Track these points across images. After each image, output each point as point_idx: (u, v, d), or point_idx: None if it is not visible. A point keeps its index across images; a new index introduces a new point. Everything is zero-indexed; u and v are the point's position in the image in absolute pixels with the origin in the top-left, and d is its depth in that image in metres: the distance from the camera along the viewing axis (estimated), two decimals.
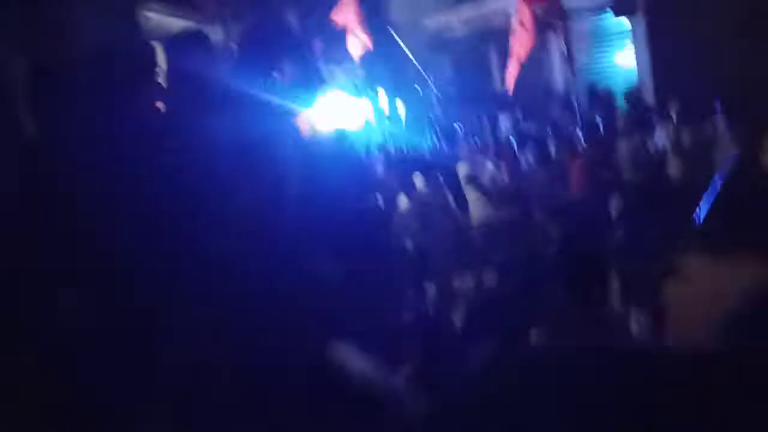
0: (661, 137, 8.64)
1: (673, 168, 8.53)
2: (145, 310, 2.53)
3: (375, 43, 13.67)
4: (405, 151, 10.29)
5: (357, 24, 12.01)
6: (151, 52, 3.50)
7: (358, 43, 12.17)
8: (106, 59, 3.24)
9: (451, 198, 8.38)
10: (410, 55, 11.48)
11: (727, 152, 8.23)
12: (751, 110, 8.19)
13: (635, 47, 11.80)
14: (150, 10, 8.83)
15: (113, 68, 3.16)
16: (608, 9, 11.79)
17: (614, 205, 7.84)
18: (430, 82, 11.23)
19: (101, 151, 2.70)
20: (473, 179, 8.75)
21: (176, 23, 8.06)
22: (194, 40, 3.62)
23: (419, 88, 11.72)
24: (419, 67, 11.41)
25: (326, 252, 3.31)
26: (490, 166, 8.94)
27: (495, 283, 7.79)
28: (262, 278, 2.68)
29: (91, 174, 2.63)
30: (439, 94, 11.19)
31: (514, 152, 9.01)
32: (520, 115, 11.09)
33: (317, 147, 4.71)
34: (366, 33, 12.03)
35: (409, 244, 7.30)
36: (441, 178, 8.49)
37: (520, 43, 9.48)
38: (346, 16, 12.08)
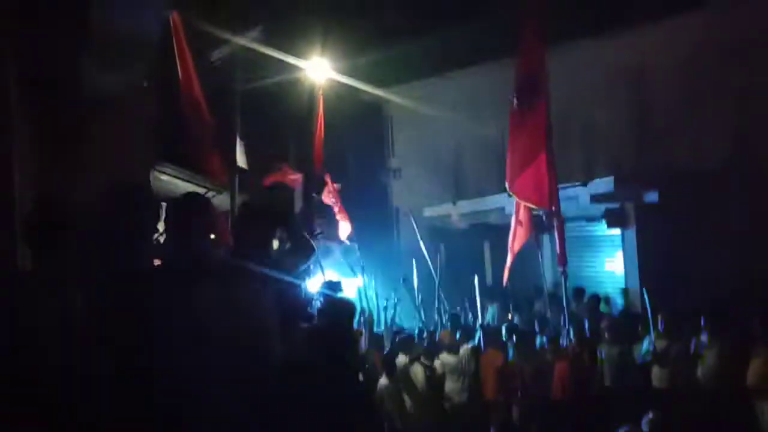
0: (646, 346, 8.64)
1: (656, 378, 8.49)
2: None
3: (377, 226, 14.13)
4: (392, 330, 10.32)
5: (340, 211, 12.63)
6: (157, 208, 3.67)
7: (344, 227, 12.70)
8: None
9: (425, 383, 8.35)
10: (421, 244, 11.79)
11: (711, 367, 8.23)
12: (733, 324, 8.31)
13: (624, 256, 12.13)
14: (162, 172, 9.23)
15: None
16: (601, 219, 12.27)
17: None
18: (432, 269, 11.45)
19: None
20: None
21: (185, 186, 8.37)
22: (195, 201, 3.80)
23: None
24: (424, 252, 11.67)
25: None
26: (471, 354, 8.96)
27: None
28: None
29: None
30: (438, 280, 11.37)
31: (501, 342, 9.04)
32: (509, 308, 11.19)
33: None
34: (349, 220, 12.60)
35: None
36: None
37: (517, 240, 9.82)
38: (331, 201, 12.73)
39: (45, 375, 2.89)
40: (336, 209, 12.74)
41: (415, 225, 12.27)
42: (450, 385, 8.67)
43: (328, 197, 12.77)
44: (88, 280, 3.14)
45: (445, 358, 8.89)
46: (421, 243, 11.89)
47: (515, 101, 9.09)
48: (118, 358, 2.95)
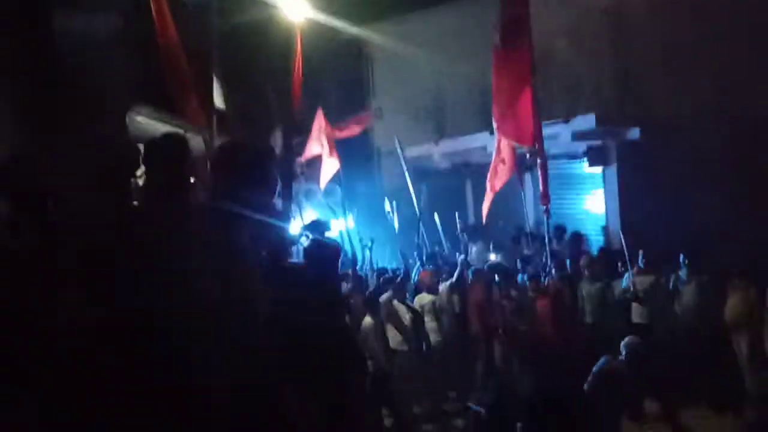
0: (625, 283, 8.77)
1: (635, 314, 8.64)
2: None
3: (358, 167, 14.10)
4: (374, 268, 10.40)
5: (330, 149, 12.51)
6: (136, 152, 3.62)
7: (330, 166, 12.61)
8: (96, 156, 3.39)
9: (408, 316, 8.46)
10: (409, 180, 11.74)
11: (688, 303, 8.39)
12: (712, 260, 8.46)
13: (605, 194, 12.20)
14: (138, 114, 9.07)
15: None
16: (583, 158, 12.29)
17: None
18: (415, 204, 11.48)
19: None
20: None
21: (162, 127, 8.25)
22: (174, 141, 3.75)
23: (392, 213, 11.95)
24: (411, 188, 11.67)
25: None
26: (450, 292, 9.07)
27: None
28: None
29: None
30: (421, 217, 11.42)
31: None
32: (490, 246, 11.27)
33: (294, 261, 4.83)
34: (337, 157, 12.50)
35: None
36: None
37: (498, 177, 9.80)
38: (321, 141, 12.60)
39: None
40: (327, 148, 12.60)
41: (402, 159, 12.19)
42: (427, 324, 8.76)
43: (319, 137, 12.63)
44: (74, 229, 3.14)
45: (422, 298, 8.97)
46: (408, 176, 11.81)
47: (499, 41, 8.98)
48: (107, 303, 2.95)
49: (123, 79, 7.41)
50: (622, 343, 6.56)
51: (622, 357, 6.48)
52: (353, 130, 14.03)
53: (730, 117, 10.54)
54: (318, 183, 13.17)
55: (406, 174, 11.85)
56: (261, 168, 3.67)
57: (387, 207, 12.08)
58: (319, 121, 12.71)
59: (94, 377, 2.85)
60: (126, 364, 2.89)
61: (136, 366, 2.90)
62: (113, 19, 7.27)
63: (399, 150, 12.31)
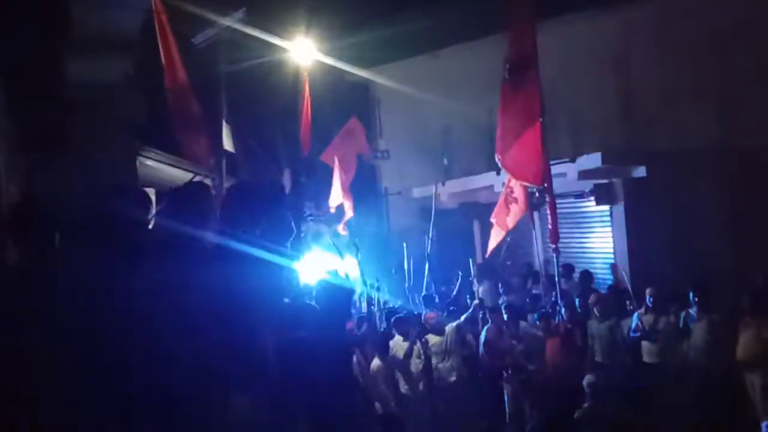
0: (635, 321, 8.70)
1: (646, 353, 8.56)
2: None
3: (366, 208, 14.16)
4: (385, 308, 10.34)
5: (344, 191, 12.61)
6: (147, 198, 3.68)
7: (345, 207, 12.69)
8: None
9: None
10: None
11: (699, 341, 8.30)
12: (721, 298, 8.38)
13: (613, 231, 12.18)
14: (148, 158, 9.17)
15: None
16: (590, 196, 12.31)
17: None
18: (427, 245, 11.48)
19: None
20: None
21: (171, 172, 8.33)
22: (198, 189, 3.80)
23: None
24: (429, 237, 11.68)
25: None
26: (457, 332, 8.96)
27: None
28: None
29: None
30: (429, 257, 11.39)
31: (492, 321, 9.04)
32: (499, 286, 11.22)
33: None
34: (350, 200, 12.57)
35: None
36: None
37: (511, 216, 9.77)
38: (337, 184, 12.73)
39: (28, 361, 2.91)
40: (341, 192, 12.75)
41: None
42: (439, 366, 8.64)
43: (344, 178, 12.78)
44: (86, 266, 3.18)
45: (430, 339, 8.87)
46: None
47: (506, 75, 9.02)
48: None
49: (132, 123, 7.51)
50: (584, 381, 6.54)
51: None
52: (353, 146, 13.89)
53: (736, 152, 10.56)
54: (325, 224, 13.22)
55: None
56: (273, 209, 3.71)
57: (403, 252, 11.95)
58: (336, 168, 12.84)
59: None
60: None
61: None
62: (122, 63, 7.39)
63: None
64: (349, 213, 13.00)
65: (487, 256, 10.43)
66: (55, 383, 2.94)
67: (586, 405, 6.38)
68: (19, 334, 2.97)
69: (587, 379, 6.71)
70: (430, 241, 11.79)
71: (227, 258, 3.46)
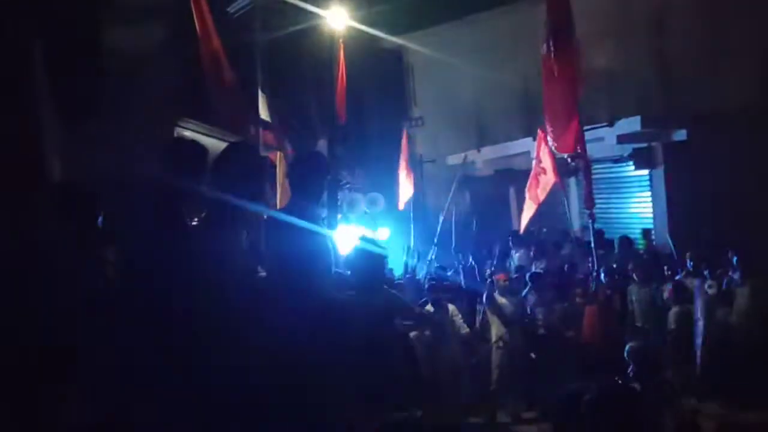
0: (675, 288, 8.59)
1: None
2: None
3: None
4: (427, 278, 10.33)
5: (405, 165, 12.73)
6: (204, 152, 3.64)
7: (406, 189, 12.78)
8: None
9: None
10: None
11: (743, 306, 8.18)
12: (763, 264, 8.23)
13: (652, 196, 12.01)
14: (185, 128, 9.24)
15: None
16: (628, 160, 12.14)
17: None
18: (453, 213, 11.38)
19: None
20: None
21: (207, 141, 8.37)
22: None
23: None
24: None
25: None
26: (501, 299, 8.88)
27: None
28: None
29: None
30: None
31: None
32: (533, 253, 11.17)
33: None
34: (410, 173, 12.62)
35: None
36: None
37: (540, 186, 9.69)
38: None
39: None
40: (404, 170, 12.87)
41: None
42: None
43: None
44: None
45: (499, 300, 8.71)
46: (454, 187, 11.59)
47: (546, 47, 8.85)
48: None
49: (170, 92, 7.56)
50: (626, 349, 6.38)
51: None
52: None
53: None
54: (360, 192, 13.27)
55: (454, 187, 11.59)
56: (316, 178, 3.76)
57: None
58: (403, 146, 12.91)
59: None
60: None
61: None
62: (159, 32, 7.42)
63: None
64: (409, 191, 12.97)
65: (521, 229, 10.32)
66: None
67: (629, 371, 6.31)
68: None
69: (629, 345, 6.63)
70: (461, 208, 11.70)
71: (288, 226, 3.57)
